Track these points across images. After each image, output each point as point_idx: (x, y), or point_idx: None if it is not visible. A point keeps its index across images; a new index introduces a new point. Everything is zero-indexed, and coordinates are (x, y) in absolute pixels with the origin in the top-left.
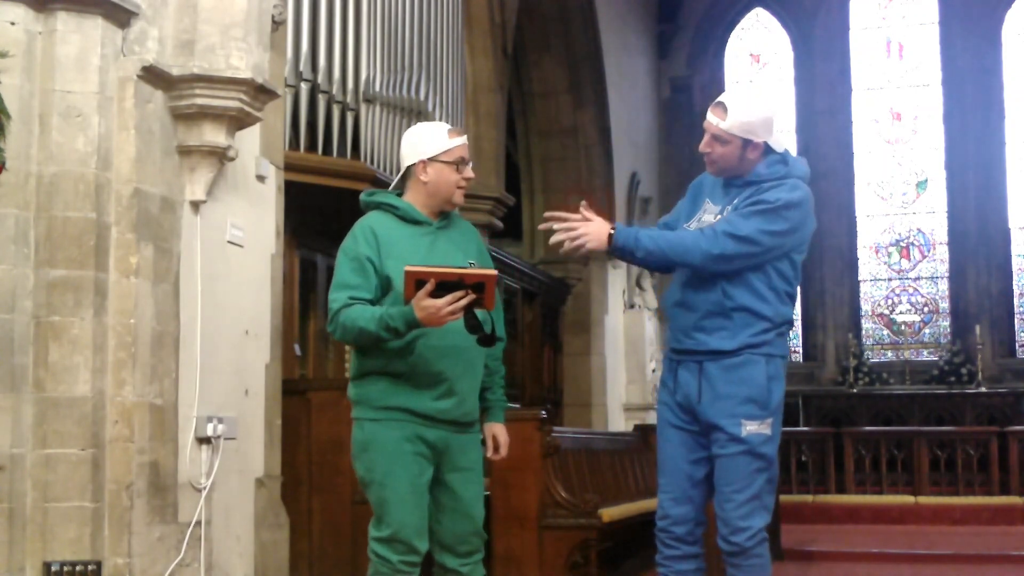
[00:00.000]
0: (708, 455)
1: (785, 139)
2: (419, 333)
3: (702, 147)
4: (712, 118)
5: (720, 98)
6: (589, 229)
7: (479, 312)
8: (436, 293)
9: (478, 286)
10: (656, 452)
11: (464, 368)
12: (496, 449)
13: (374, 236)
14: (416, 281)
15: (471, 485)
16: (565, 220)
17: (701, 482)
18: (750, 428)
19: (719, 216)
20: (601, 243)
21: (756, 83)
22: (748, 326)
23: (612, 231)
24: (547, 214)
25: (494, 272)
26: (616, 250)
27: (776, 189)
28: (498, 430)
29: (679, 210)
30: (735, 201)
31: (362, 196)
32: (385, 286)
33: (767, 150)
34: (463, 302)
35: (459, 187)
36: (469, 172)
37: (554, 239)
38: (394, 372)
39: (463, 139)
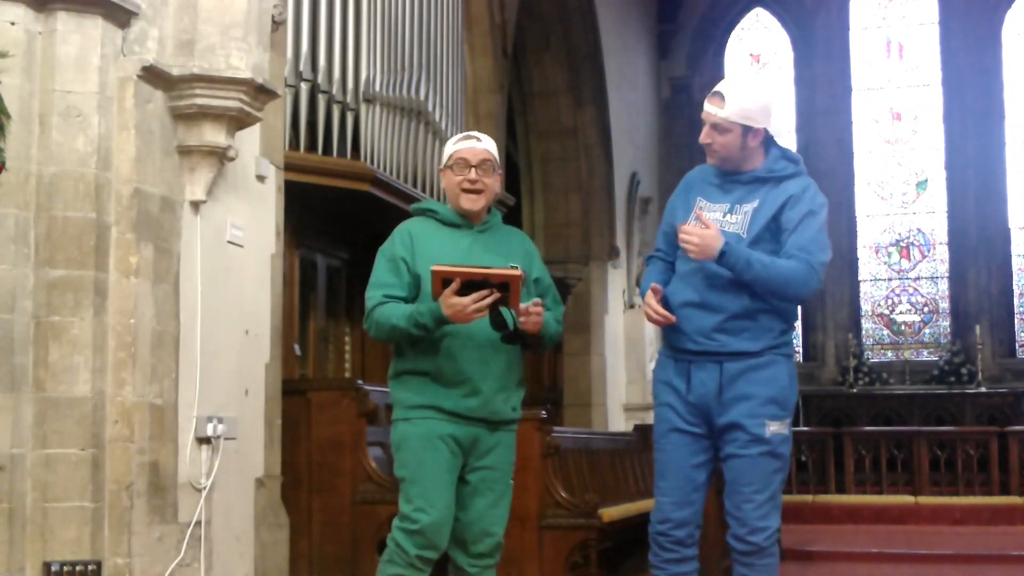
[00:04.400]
0: (711, 457)
1: (785, 139)
2: (446, 333)
3: (703, 138)
4: (710, 108)
5: (717, 87)
6: (702, 235)
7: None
8: (464, 292)
9: (503, 286)
10: (654, 454)
11: (488, 369)
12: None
13: (410, 238)
14: (444, 280)
15: (494, 485)
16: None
17: (702, 485)
18: (772, 428)
19: (728, 215)
20: (706, 256)
21: (753, 70)
22: (770, 328)
23: (724, 248)
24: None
25: (519, 273)
26: (724, 267)
27: (808, 191)
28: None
29: (673, 208)
30: (756, 203)
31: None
32: (416, 285)
33: (766, 136)
34: (488, 301)
35: (463, 189)
36: (471, 175)
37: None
38: (422, 371)
39: (469, 143)
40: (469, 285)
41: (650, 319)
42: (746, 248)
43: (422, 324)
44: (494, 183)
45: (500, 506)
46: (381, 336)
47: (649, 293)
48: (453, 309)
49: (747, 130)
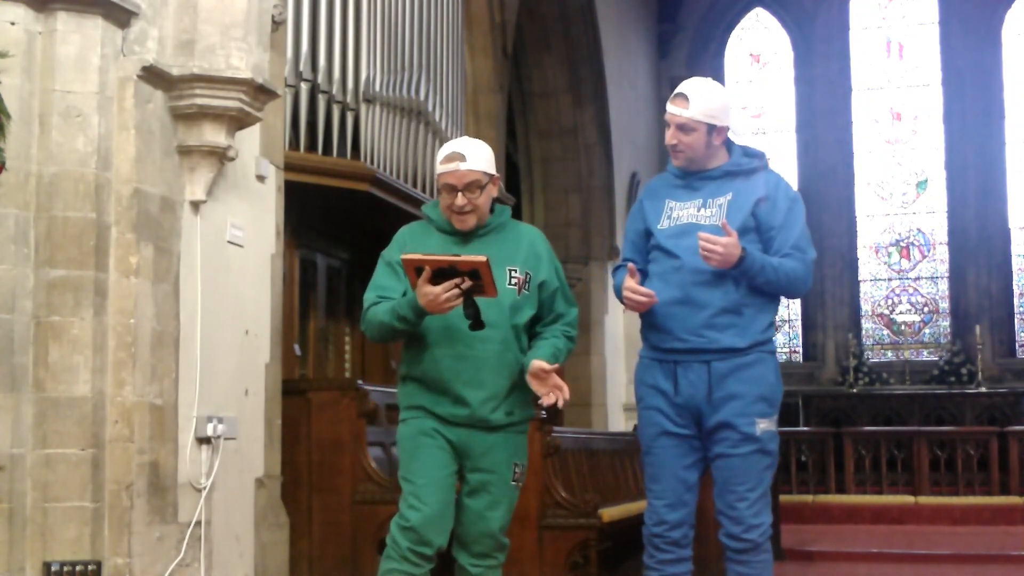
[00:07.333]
0: (701, 457)
1: (785, 138)
2: (430, 341)
3: (668, 140)
4: (675, 109)
5: (678, 89)
6: (726, 243)
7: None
8: (438, 281)
9: (474, 274)
10: (644, 457)
11: (473, 375)
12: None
13: (405, 242)
14: (416, 269)
15: (492, 488)
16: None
17: (694, 485)
18: (762, 426)
19: (702, 209)
20: (727, 264)
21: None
22: (756, 321)
23: (743, 254)
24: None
25: (484, 258)
26: (740, 273)
27: (781, 185)
28: (536, 365)
29: (642, 215)
30: (729, 195)
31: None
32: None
33: (727, 135)
34: (459, 289)
35: (452, 211)
36: (458, 200)
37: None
38: (414, 376)
39: (452, 166)
40: (442, 274)
41: (631, 303)
42: (758, 252)
43: (403, 316)
44: (486, 197)
45: (499, 508)
46: (374, 335)
47: (627, 276)
48: (427, 298)
49: (712, 128)
